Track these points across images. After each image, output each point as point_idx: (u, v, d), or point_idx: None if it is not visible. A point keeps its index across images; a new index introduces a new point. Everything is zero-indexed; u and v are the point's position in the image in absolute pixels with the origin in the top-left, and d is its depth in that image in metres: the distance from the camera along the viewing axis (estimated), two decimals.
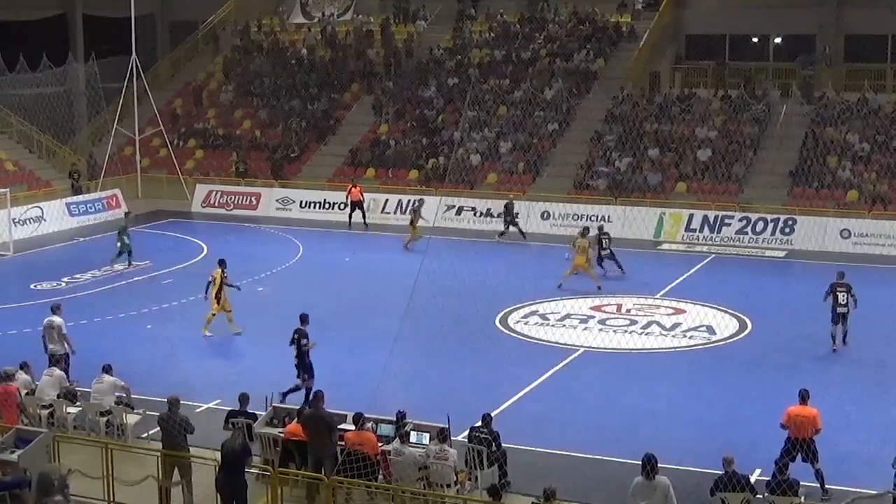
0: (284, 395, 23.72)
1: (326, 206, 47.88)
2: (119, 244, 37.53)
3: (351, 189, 45.64)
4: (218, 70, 60.49)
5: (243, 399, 20.68)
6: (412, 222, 41.19)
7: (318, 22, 62.47)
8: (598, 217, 42.88)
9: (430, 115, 52.69)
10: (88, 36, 61.00)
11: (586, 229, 36.46)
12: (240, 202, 49.33)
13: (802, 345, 28.77)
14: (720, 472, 17.65)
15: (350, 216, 45.06)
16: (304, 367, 24.35)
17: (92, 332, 29.33)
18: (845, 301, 28.21)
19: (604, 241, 37.02)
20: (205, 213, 48.75)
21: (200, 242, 41.39)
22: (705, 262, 39.13)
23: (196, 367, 26.93)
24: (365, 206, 45.37)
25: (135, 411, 22.31)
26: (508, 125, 50.77)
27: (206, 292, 30.11)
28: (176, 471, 19.06)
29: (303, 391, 23.97)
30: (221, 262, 30.27)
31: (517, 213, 42.36)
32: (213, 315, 29.82)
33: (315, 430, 19.39)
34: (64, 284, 35.58)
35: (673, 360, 28.15)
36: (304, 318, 24.92)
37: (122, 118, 51.46)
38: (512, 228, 42.13)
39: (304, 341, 24.38)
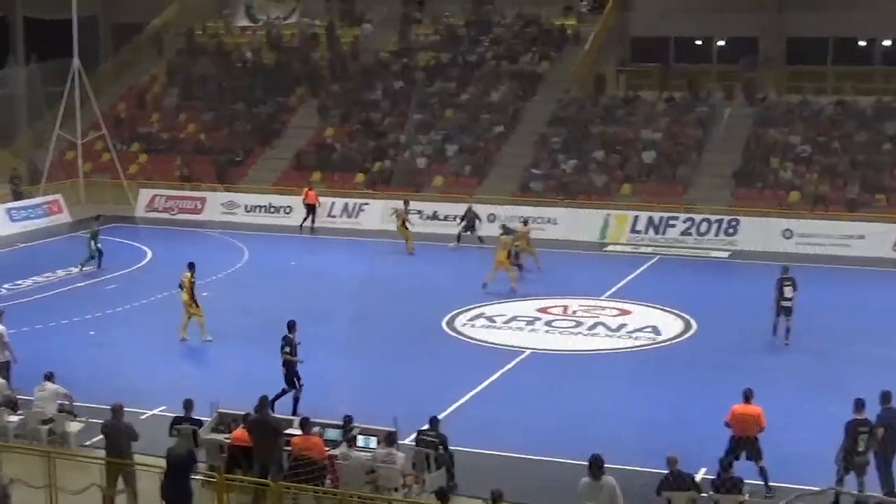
0: (271, 401, 23.39)
1: (272, 209, 47.70)
2: (89, 248, 37.42)
3: (307, 192, 45.55)
4: (162, 73, 60.05)
5: (188, 405, 20.55)
6: (404, 224, 40.72)
7: (263, 25, 62.19)
8: (544, 219, 43.18)
9: (376, 118, 52.60)
10: (29, 38, 60.40)
11: (506, 228, 36.72)
12: (184, 207, 49.02)
13: (746, 344, 29.02)
14: (665, 472, 17.74)
15: (306, 219, 45.07)
16: (292, 374, 23.92)
17: (34, 339, 28.98)
18: (790, 295, 28.64)
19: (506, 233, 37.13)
20: (149, 217, 48.40)
21: (144, 248, 41.08)
22: (650, 263, 39.34)
23: (140, 373, 26.68)
24: (317, 210, 45.37)
25: (78, 419, 22.11)
26: (455, 128, 50.79)
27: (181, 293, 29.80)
28: (120, 478, 18.87)
29: (290, 396, 23.80)
30: (191, 266, 29.92)
31: (477, 219, 42.16)
32: (202, 318, 29.45)
33: (261, 435, 19.28)
34: (5, 291, 35.15)
35: (619, 361, 28.25)
36: (291, 326, 24.34)
37: (64, 122, 50.91)
38: (469, 233, 41.88)
39: (286, 349, 23.92)
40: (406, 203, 42.27)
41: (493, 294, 34.00)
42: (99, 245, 37.69)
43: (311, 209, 45.19)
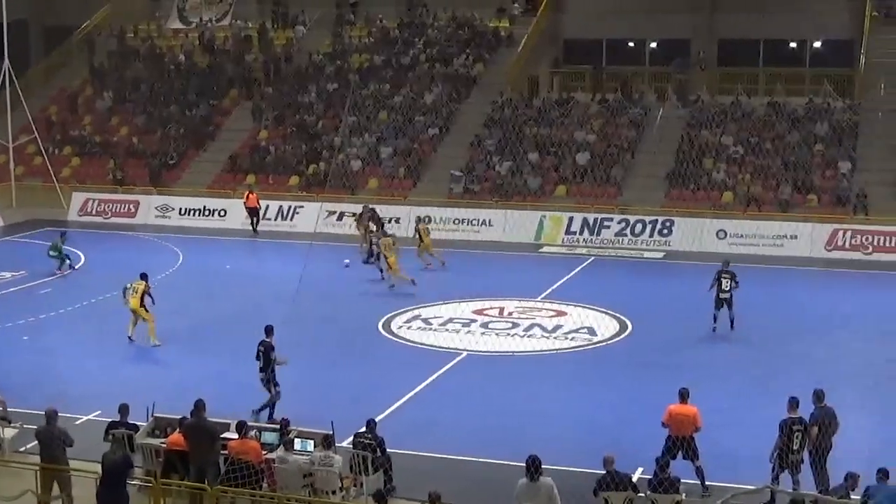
0: (258, 412, 23.26)
1: (206, 213, 47.44)
2: (59, 255, 37.50)
3: (248, 195, 45.43)
4: (93, 76, 59.44)
5: (123, 410, 20.39)
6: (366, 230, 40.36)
7: (195, 27, 61.77)
8: (479, 221, 43.34)
9: (311, 120, 52.48)
10: None
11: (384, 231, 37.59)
12: (118, 210, 48.62)
13: (682, 344, 29.31)
14: (602, 472, 17.86)
15: (252, 223, 45.04)
16: (273, 380, 23.71)
17: None
18: (728, 287, 29.38)
19: (371, 239, 37.69)
20: (82, 221, 47.95)
21: (78, 251, 40.65)
22: (585, 264, 39.58)
23: (75, 378, 26.46)
24: (259, 213, 45.26)
25: (11, 425, 21.86)
26: (389, 130, 50.80)
27: (124, 297, 29.72)
28: (56, 485, 18.71)
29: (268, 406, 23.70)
30: (144, 276, 30.09)
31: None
32: (152, 323, 29.44)
33: (197, 439, 19.19)
34: None
35: (556, 362, 28.41)
36: (269, 330, 24.09)
37: None
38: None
39: (272, 354, 23.66)
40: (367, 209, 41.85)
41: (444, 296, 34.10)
42: (54, 254, 37.66)
43: (253, 212, 45.04)
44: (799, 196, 43.63)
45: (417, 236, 38.79)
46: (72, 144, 54.80)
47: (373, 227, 39.05)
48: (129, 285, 29.86)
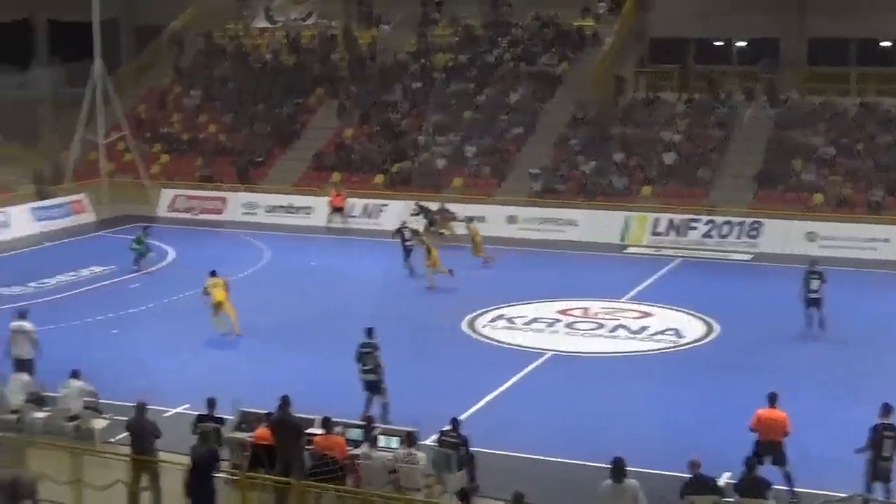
0: (385, 416, 23.18)
1: (292, 210, 47.78)
2: (139, 249, 37.98)
3: (335, 195, 45.61)
4: (182, 75, 60.16)
5: (211, 403, 20.63)
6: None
7: (281, 26, 62.27)
8: (563, 221, 43.26)
9: (395, 118, 52.66)
10: (53, 40, 60.75)
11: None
12: (205, 207, 49.14)
13: (769, 347, 29.00)
14: (688, 476, 17.71)
15: (332, 220, 45.18)
16: (383, 381, 23.68)
17: (59, 337, 29.16)
18: (817, 287, 29.02)
19: (405, 234, 37.55)
20: (171, 217, 48.52)
21: (167, 247, 41.21)
22: (671, 265, 39.26)
23: (164, 371, 26.81)
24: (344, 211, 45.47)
25: (103, 416, 22.25)
26: (473, 129, 50.81)
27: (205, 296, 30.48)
28: (145, 475, 18.99)
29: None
30: (214, 273, 30.85)
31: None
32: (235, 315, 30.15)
33: (283, 434, 19.37)
34: (31, 289, 35.37)
35: (640, 364, 28.25)
36: (370, 332, 24.14)
37: (87, 123, 51.14)
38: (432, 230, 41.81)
39: (376, 354, 23.71)
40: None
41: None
42: (137, 247, 38.15)
43: (338, 210, 45.37)
44: (891, 198, 42.89)
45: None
46: (161, 142, 55.53)
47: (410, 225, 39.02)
48: (207, 284, 30.48)
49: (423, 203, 43.71)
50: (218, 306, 30.10)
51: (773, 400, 19.81)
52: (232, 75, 58.65)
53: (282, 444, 19.39)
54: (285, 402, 19.74)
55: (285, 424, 19.50)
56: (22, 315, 25.61)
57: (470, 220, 39.32)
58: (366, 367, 23.64)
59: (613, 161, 47.19)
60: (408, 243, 37.18)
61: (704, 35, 54.76)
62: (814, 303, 29.24)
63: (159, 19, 63.16)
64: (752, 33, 53.98)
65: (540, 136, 50.30)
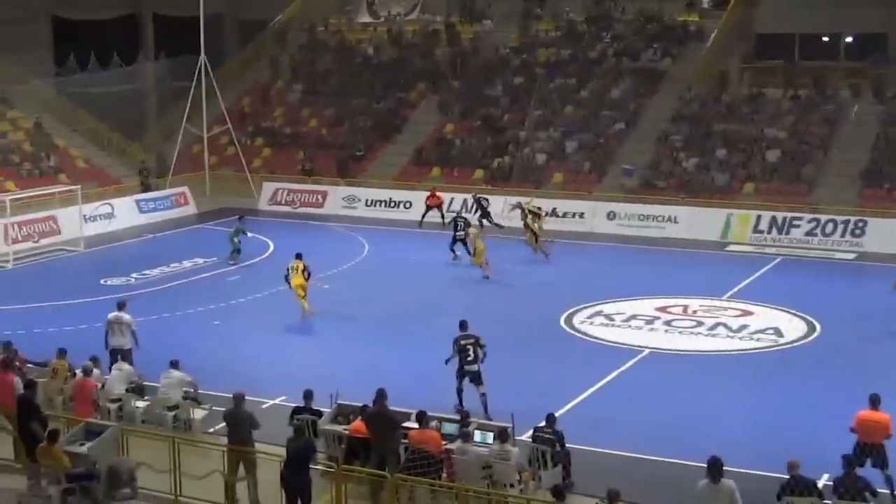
0: (486, 412, 23.25)
1: (392, 204, 47.98)
2: (232, 243, 38.47)
3: (432, 193, 45.37)
4: (285, 69, 60.79)
5: (308, 396, 20.79)
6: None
7: (384, 21, 62.61)
8: (664, 218, 42.90)
9: (496, 114, 52.65)
10: (158, 35, 61.66)
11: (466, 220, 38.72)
12: (306, 200, 49.54)
13: (872, 348, 28.46)
14: (786, 476, 17.45)
15: (423, 216, 45.01)
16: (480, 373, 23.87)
17: (160, 328, 29.65)
18: None
19: (459, 224, 38.32)
20: (272, 210, 49.03)
21: (267, 240, 41.64)
22: (773, 263, 38.72)
23: (262, 363, 27.10)
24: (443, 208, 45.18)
25: (201, 406, 22.51)
26: (574, 124, 50.60)
27: (286, 279, 31.48)
28: (241, 466, 19.19)
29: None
30: (299, 256, 31.97)
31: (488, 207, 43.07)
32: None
33: (379, 427, 19.44)
34: (133, 280, 35.98)
35: (740, 363, 27.91)
36: (465, 325, 24.33)
37: (190, 116, 51.88)
38: (486, 223, 42.59)
39: (479, 345, 23.85)
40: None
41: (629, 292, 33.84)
42: (237, 240, 38.62)
43: (431, 208, 45.09)
44: None
45: (527, 221, 39.39)
46: (263, 135, 56.16)
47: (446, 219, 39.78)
48: (289, 267, 31.46)
49: (481, 196, 44.03)
50: (297, 289, 31.07)
51: (874, 402, 19.44)
52: (334, 70, 59.08)
53: (377, 437, 19.46)
54: (381, 395, 19.81)
55: (381, 417, 19.56)
56: (120, 306, 25.96)
57: (469, 224, 38.94)
58: (469, 359, 23.70)
59: (716, 157, 46.69)
60: (459, 233, 37.98)
61: (811, 30, 53.90)
62: None
63: (263, 14, 63.87)
64: (859, 28, 53.06)
65: (641, 132, 49.94)
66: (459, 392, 23.83)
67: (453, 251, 38.23)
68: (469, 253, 36.89)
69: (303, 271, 31.44)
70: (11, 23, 55.77)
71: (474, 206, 43.89)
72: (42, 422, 19.76)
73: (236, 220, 39.75)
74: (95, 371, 22.72)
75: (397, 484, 18.34)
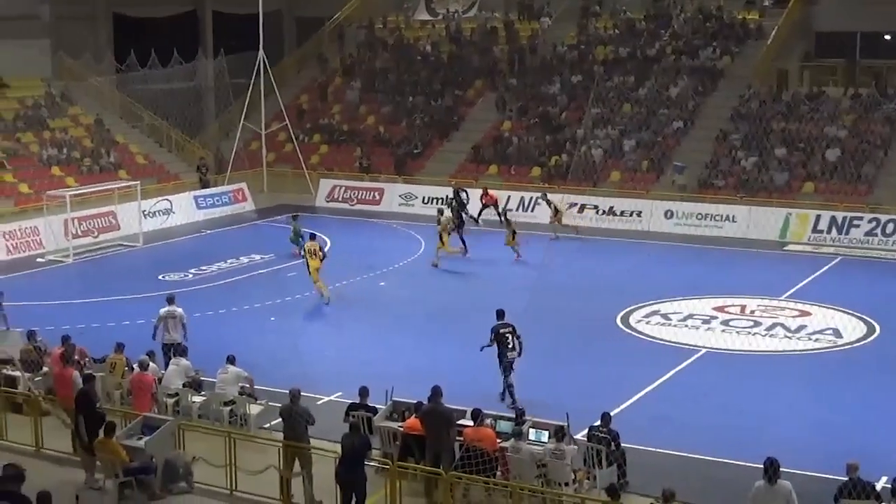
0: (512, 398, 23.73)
1: (449, 202, 47.90)
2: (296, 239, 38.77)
3: (486, 193, 44.61)
4: (343, 66, 61.01)
5: (363, 392, 20.85)
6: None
7: (442, 19, 62.68)
8: (722, 217, 42.64)
9: (554, 112, 52.53)
10: (217, 32, 62.07)
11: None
12: (363, 197, 49.70)
13: None
14: (843, 479, 17.28)
15: (479, 213, 44.09)
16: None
17: (217, 323, 29.90)
18: None
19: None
20: (329, 207, 49.21)
21: (324, 236, 41.75)
22: (832, 264, 38.34)
23: (318, 359, 27.22)
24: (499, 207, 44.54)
25: (257, 402, 22.65)
26: (632, 123, 50.40)
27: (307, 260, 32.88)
28: (297, 461, 19.28)
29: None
30: (313, 236, 33.99)
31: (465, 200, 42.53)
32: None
33: (434, 425, 19.45)
34: (191, 276, 36.26)
35: (797, 363, 27.67)
36: (502, 314, 24.61)
37: (248, 113, 52.19)
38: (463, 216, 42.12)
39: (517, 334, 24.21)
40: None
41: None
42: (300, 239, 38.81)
43: (487, 206, 44.27)
44: None
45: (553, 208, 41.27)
46: (321, 132, 56.39)
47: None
48: (305, 249, 33.00)
49: (460, 188, 43.71)
50: (314, 273, 32.10)
51: None
52: (392, 67, 59.20)
53: (432, 434, 19.48)
54: (436, 392, 19.83)
55: (436, 415, 19.57)
56: (170, 300, 26.11)
57: (442, 213, 39.48)
58: (509, 347, 23.94)
59: (775, 156, 46.32)
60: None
61: (872, 28, 53.32)
62: None
63: (321, 11, 64.17)
64: None
65: (699, 131, 49.64)
66: (511, 388, 23.93)
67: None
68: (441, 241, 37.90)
69: (318, 252, 32.77)
70: (74, 20, 56.45)
71: (452, 198, 43.24)
72: (99, 416, 19.94)
73: (290, 218, 39.97)
74: (151, 365, 22.92)
75: (452, 481, 18.37)
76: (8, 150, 48.77)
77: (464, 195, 42.70)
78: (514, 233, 38.80)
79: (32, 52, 53.62)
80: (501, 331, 24.12)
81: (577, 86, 53.45)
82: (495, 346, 24.11)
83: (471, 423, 19.53)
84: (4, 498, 15.37)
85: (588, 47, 56.34)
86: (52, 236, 40.22)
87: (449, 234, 37.88)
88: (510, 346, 24.00)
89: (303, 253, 33.33)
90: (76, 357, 23.13)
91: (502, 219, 42.48)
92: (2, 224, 40.94)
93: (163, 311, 25.81)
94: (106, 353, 24.09)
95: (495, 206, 44.20)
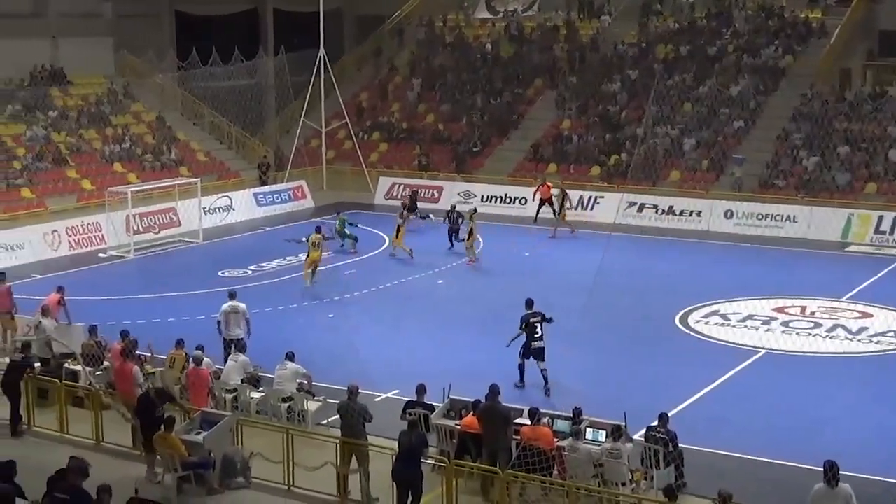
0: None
1: (507, 200, 47.97)
2: (344, 234, 39.66)
3: (539, 187, 44.59)
4: (403, 64, 61.18)
5: (421, 390, 20.86)
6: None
7: (502, 17, 62.63)
8: (782, 217, 42.28)
9: (614, 110, 52.33)
10: (278, 30, 62.34)
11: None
12: (422, 195, 49.59)
13: None
14: None
15: (537, 211, 44.41)
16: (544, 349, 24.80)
17: (275, 320, 30.04)
18: None
19: (454, 217, 40.02)
20: (388, 205, 49.18)
21: (383, 234, 41.89)
22: (894, 265, 37.90)
23: (375, 356, 27.23)
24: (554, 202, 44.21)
25: (315, 398, 22.73)
26: (693, 122, 50.08)
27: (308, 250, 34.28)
28: (354, 458, 19.34)
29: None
30: (319, 229, 35.12)
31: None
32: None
33: (491, 423, 19.45)
34: (250, 272, 36.48)
35: (858, 365, 27.40)
36: (531, 303, 25.32)
37: (308, 111, 52.46)
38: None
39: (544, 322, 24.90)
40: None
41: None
42: (346, 230, 39.65)
43: (543, 202, 44.31)
44: None
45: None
46: (380, 130, 56.54)
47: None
48: (309, 240, 34.05)
49: (414, 190, 45.07)
50: (311, 264, 33.83)
51: None
52: (452, 65, 59.22)
53: (489, 432, 19.48)
54: (494, 391, 19.83)
55: (493, 413, 19.56)
56: (232, 295, 26.29)
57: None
58: (537, 336, 24.58)
59: (837, 156, 45.85)
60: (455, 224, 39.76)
61: None
62: None
63: (381, 9, 64.33)
64: None
65: (760, 130, 49.25)
66: (521, 368, 24.69)
67: (451, 242, 39.66)
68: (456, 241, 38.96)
69: (319, 245, 34.06)
70: (136, 18, 56.97)
71: (408, 200, 44.00)
72: (157, 419, 20.05)
73: (335, 216, 40.41)
74: (206, 360, 23.12)
75: (508, 480, 18.36)
76: (71, 146, 49.34)
77: (415, 196, 44.22)
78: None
79: (95, 49, 54.27)
80: (531, 320, 24.74)
81: (637, 84, 53.20)
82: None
83: (528, 421, 19.47)
84: (65, 492, 15.57)
85: (649, 45, 56.07)
86: (114, 232, 40.61)
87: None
88: (538, 334, 24.65)
89: (337, 233, 35.58)
90: (138, 352, 23.37)
91: (557, 213, 42.63)
92: (64, 219, 41.43)
93: (225, 306, 25.99)
94: (167, 349, 24.30)
95: (551, 202, 43.98)
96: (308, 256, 34.28)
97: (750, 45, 53.67)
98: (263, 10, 63.25)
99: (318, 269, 34.69)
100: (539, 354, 24.67)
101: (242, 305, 25.95)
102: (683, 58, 54.18)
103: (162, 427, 19.42)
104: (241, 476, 19.84)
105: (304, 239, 36.35)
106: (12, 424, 22.41)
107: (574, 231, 42.13)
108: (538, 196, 44.40)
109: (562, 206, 42.85)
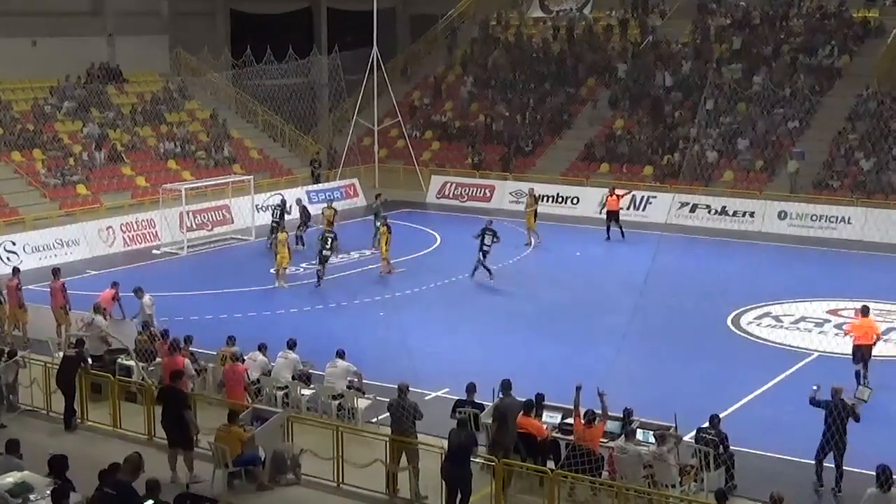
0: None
1: (559, 199, 47.85)
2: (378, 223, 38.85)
3: (607, 198, 42.27)
4: (456, 63, 61.22)
5: (471, 389, 20.87)
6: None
7: (556, 16, 62.52)
8: (837, 219, 41.89)
9: (667, 110, 52.07)
10: (332, 29, 62.68)
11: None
12: (474, 194, 49.78)
13: None
14: None
15: (608, 227, 41.76)
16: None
17: (327, 317, 30.17)
18: None
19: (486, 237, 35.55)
20: (439, 203, 49.36)
21: (434, 233, 41.94)
22: None
23: (426, 355, 27.22)
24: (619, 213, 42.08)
25: (365, 396, 22.78)
26: (747, 122, 49.74)
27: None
28: (403, 456, 19.38)
29: None
30: (283, 228, 36.78)
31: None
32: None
33: (506, 421, 19.40)
34: (301, 270, 36.59)
35: None
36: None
37: (361, 109, 52.62)
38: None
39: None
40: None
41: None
42: (377, 223, 39.04)
43: (611, 216, 41.74)
44: None
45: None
46: (433, 129, 56.61)
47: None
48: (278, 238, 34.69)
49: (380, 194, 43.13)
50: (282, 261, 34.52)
51: None
52: (505, 64, 59.17)
53: (503, 429, 19.42)
54: (506, 385, 19.88)
55: (511, 410, 19.49)
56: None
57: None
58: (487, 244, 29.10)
59: (894, 157, 45.36)
60: (486, 246, 35.08)
61: None
62: None
63: (435, 8, 64.44)
64: None
65: (815, 131, 48.87)
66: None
67: (486, 268, 34.91)
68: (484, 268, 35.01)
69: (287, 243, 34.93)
70: (192, 16, 57.40)
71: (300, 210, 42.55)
72: (180, 420, 20.14)
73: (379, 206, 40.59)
74: (262, 358, 23.20)
75: (558, 480, 18.32)
76: (126, 143, 49.76)
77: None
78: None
79: (151, 47, 54.75)
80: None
81: (690, 83, 52.89)
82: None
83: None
84: (113, 486, 15.67)
85: (703, 44, 55.73)
86: (168, 229, 40.93)
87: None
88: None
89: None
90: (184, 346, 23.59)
91: (623, 231, 41.45)
92: (119, 216, 41.82)
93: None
94: (218, 346, 24.45)
95: (617, 217, 41.79)
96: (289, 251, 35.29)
97: (805, 44, 53.23)
98: (317, 9, 63.59)
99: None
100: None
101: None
102: (738, 56, 53.76)
103: (226, 420, 19.59)
104: (290, 472, 19.94)
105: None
106: (66, 419, 22.66)
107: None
108: (605, 209, 42.15)
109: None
